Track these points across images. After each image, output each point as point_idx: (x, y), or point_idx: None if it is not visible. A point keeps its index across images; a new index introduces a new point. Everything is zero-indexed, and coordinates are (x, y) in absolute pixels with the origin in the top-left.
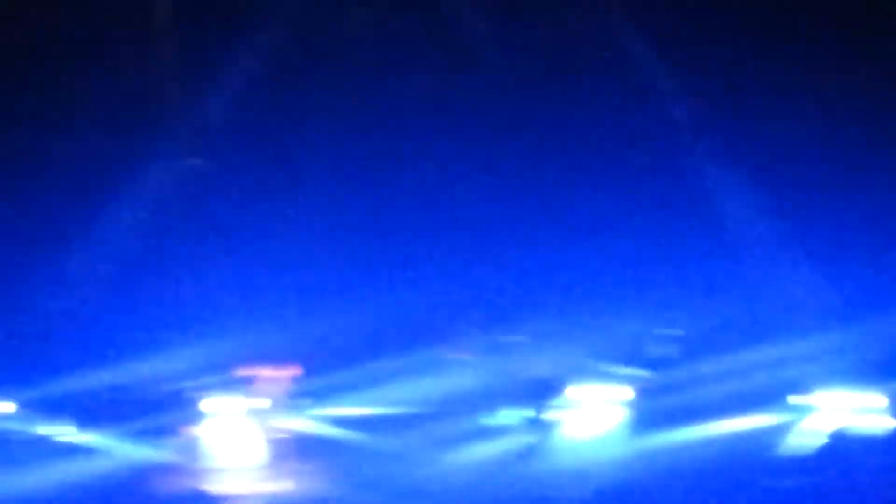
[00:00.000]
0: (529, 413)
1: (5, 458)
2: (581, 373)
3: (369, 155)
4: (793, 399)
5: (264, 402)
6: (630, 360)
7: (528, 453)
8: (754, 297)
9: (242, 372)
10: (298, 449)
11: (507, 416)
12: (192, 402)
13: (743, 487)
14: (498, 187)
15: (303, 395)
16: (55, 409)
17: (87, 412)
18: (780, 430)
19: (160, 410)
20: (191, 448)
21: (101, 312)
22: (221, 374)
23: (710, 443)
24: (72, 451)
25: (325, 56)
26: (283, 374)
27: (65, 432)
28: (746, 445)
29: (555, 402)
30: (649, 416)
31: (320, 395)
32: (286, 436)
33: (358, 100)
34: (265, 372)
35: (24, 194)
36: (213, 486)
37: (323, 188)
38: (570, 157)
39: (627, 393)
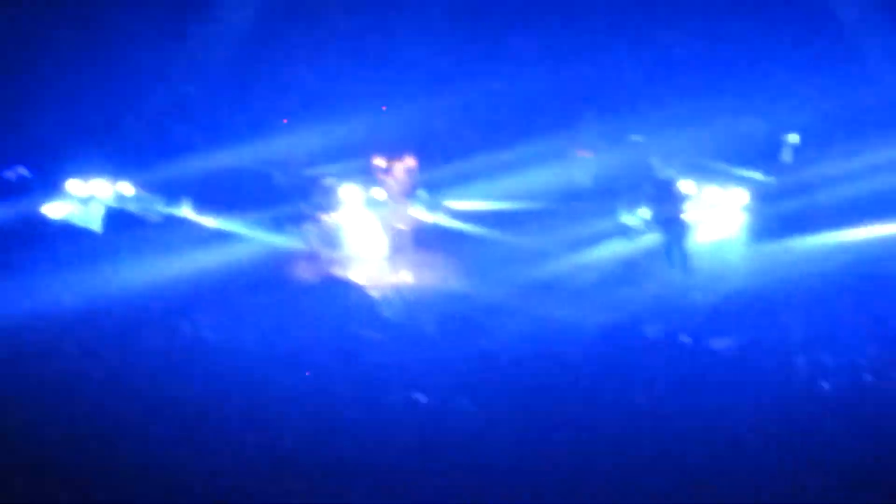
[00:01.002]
0: (647, 214)
1: (139, 239)
2: (701, 174)
3: None
4: None
5: (389, 193)
6: (750, 163)
7: (652, 255)
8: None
9: (367, 162)
10: (424, 241)
11: (629, 216)
12: (320, 191)
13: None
14: None
15: (426, 187)
16: (175, 191)
17: (209, 196)
18: None
19: (290, 198)
20: (320, 236)
21: (225, 98)
22: (346, 164)
23: (833, 251)
24: (202, 235)
25: None
26: (407, 165)
27: (189, 216)
28: (872, 253)
29: (674, 203)
30: (768, 221)
31: (445, 187)
32: (412, 227)
33: None
34: (390, 163)
35: None
36: (343, 274)
37: None
38: None
39: (746, 197)
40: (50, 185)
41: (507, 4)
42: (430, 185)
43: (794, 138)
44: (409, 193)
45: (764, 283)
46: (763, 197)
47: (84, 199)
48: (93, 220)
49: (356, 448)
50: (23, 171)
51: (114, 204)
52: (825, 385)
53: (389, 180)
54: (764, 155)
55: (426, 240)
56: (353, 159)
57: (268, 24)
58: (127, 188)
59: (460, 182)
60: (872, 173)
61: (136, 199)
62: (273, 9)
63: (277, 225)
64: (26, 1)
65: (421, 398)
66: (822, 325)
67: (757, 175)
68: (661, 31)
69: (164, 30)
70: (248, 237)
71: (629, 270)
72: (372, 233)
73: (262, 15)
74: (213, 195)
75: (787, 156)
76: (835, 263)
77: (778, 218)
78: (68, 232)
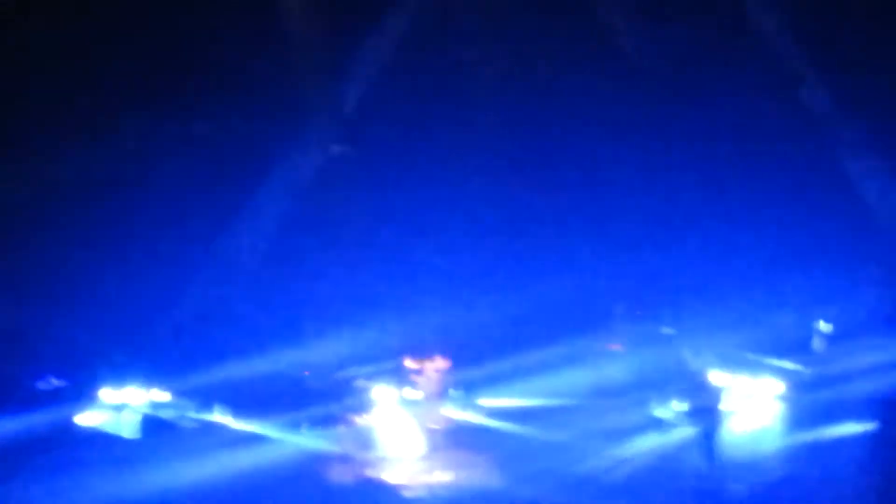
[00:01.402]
0: (683, 406)
1: (174, 445)
2: (734, 365)
3: (521, 142)
4: None
5: (422, 393)
6: (783, 353)
7: (686, 447)
8: None
9: (399, 363)
10: (458, 440)
11: (661, 409)
12: (353, 393)
13: None
14: (652, 180)
15: (459, 386)
16: (208, 397)
17: (242, 401)
18: None
19: (323, 400)
20: (353, 437)
21: (255, 304)
22: (378, 365)
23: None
24: (237, 439)
25: (467, 40)
26: (438, 366)
27: (223, 421)
28: None
29: (708, 394)
30: (803, 410)
31: (477, 386)
32: (445, 426)
33: (505, 85)
34: (421, 363)
35: (171, 187)
36: (378, 476)
37: (474, 177)
38: (729, 151)
39: (780, 387)
40: (83, 394)
41: (537, 206)
42: (462, 385)
43: (825, 327)
44: (442, 393)
45: (799, 473)
46: (797, 387)
47: (117, 406)
48: (126, 427)
49: None
50: (56, 381)
51: (148, 411)
52: None
53: (422, 381)
54: (797, 345)
55: (460, 439)
56: (385, 361)
57: (294, 231)
58: (160, 395)
59: (493, 380)
60: None
61: (170, 405)
62: (301, 213)
63: (310, 428)
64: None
65: None
66: None
67: (791, 365)
68: (692, 226)
69: (190, 238)
70: (282, 441)
71: (663, 464)
72: (406, 433)
73: (290, 219)
74: (246, 400)
75: (819, 345)
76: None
77: (813, 407)
78: (101, 439)
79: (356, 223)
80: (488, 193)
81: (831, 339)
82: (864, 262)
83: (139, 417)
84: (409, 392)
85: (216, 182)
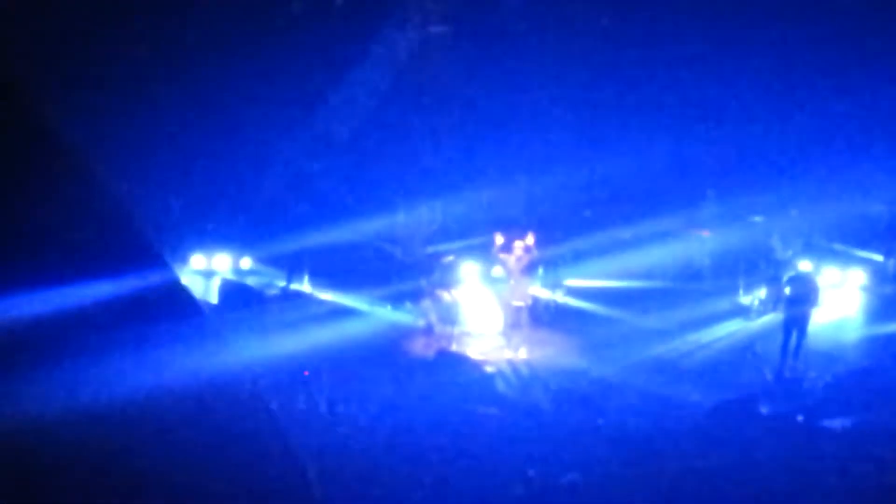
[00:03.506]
0: (769, 294)
1: (260, 313)
2: (819, 254)
3: (615, 19)
4: None
5: (509, 270)
6: (868, 244)
7: (768, 335)
8: None
9: (487, 240)
10: (541, 318)
11: (746, 296)
12: (440, 268)
13: None
14: (747, 63)
15: (546, 265)
16: (295, 266)
17: (329, 271)
18: None
19: (410, 274)
20: (438, 312)
21: (346, 178)
22: (466, 242)
23: None
24: (322, 310)
25: None
26: (526, 244)
27: (309, 291)
28: None
29: (795, 283)
30: (886, 302)
31: (564, 266)
32: (530, 305)
33: None
34: (510, 241)
35: (267, 60)
36: (460, 349)
37: (567, 55)
38: (826, 34)
39: (864, 277)
40: (174, 260)
41: (630, 84)
42: (549, 263)
43: None
44: (528, 271)
45: (880, 364)
46: (881, 277)
47: (205, 272)
48: (213, 293)
49: None
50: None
51: (232, 277)
52: None
53: (508, 257)
54: (882, 235)
55: (543, 317)
56: (473, 236)
57: (389, 105)
58: (246, 262)
59: (580, 260)
60: None
61: (258, 273)
62: (394, 89)
63: (397, 300)
64: (150, 86)
65: (534, 474)
66: None
67: (875, 256)
68: (784, 113)
69: (288, 109)
70: (367, 312)
71: (742, 351)
72: (489, 309)
73: (384, 95)
74: (333, 271)
75: None
76: None
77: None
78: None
79: (449, 100)
80: (581, 70)
81: None
82: None
83: (221, 283)
84: (496, 269)
85: (313, 57)
